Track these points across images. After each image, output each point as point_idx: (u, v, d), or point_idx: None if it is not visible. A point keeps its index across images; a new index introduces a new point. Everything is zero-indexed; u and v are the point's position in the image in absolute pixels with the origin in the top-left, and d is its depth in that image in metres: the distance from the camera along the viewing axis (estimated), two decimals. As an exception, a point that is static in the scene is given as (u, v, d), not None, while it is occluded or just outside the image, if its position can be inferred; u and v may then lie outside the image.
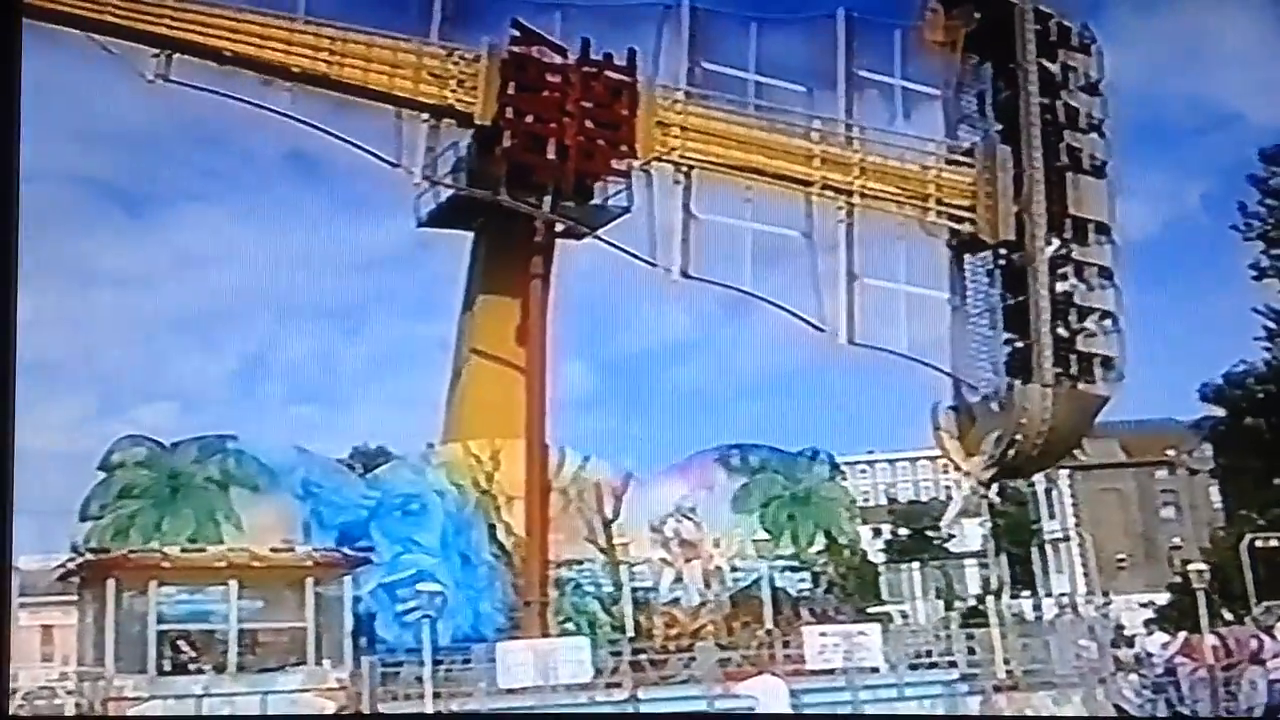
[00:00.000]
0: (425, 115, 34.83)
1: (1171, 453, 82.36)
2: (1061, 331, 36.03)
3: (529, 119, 35.06)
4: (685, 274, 34.84)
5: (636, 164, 35.91)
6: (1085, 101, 37.34)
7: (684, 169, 35.62)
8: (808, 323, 35.23)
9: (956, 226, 36.92)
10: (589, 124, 35.39)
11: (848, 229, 36.15)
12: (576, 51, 35.68)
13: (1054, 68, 37.14)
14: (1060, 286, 36.13)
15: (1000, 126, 37.43)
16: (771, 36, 37.15)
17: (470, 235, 39.19)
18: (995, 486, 39.28)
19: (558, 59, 35.45)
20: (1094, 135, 37.39)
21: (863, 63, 37.26)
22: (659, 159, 35.50)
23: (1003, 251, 37.29)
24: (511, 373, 36.82)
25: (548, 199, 35.11)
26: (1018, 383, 36.15)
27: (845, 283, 35.63)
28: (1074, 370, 35.80)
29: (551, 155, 34.85)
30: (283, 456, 35.63)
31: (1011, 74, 37.44)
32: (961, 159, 37.40)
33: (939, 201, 36.71)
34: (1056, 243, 36.25)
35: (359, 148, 33.91)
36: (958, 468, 37.56)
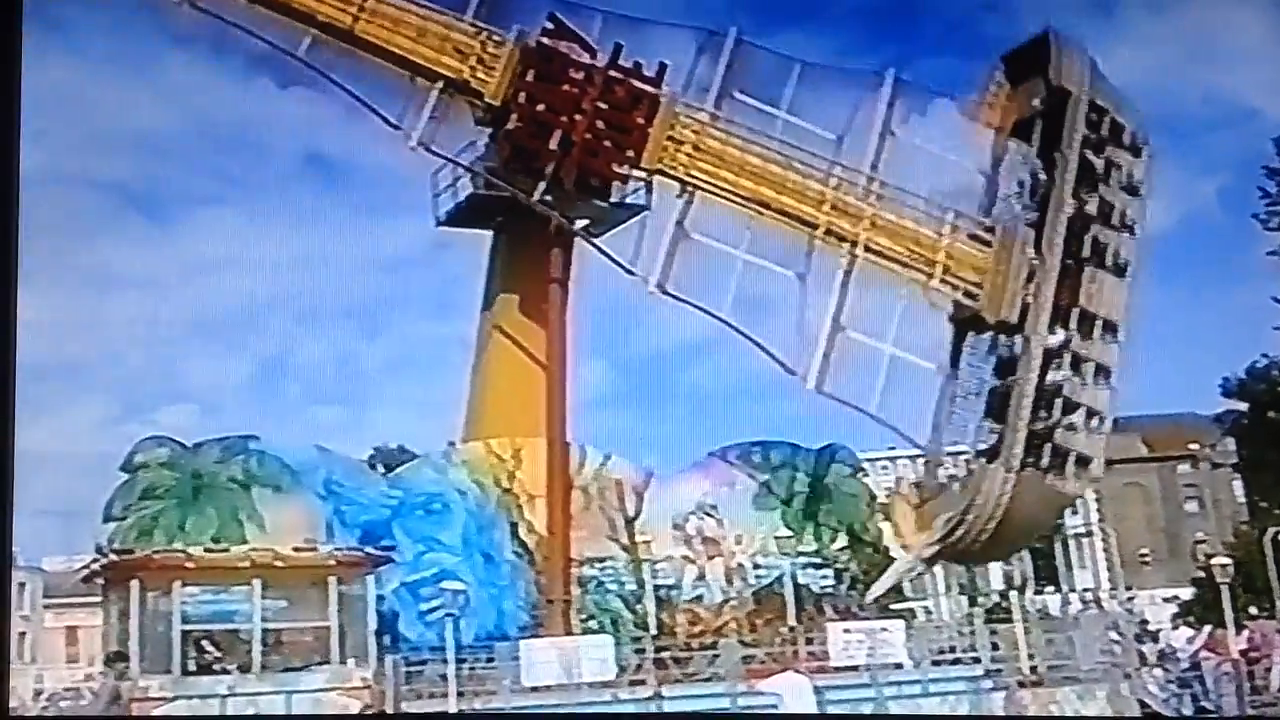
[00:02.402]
0: (439, 85, 34.58)
1: (1194, 447, 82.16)
2: (1041, 422, 34.37)
3: (540, 107, 34.93)
4: (662, 288, 34.39)
5: (639, 171, 35.69)
6: (1123, 200, 35.90)
7: (689, 188, 35.28)
8: (778, 361, 34.65)
9: (961, 300, 36.22)
10: (600, 124, 35.27)
11: (845, 278, 35.27)
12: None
13: (1098, 161, 35.86)
14: (1052, 376, 34.61)
15: (1034, 212, 36.52)
16: (812, 80, 36.46)
17: (489, 234, 39.27)
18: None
19: (585, 58, 35.34)
20: (1124, 234, 35.97)
21: (902, 123, 36.57)
22: (662, 172, 35.27)
23: (1003, 335, 36.53)
24: (532, 371, 36.86)
25: (542, 184, 34.95)
26: (982, 461, 34.82)
27: (829, 330, 34.80)
28: (1044, 462, 33.92)
29: (554, 146, 34.72)
30: (305, 456, 35.72)
31: (1054, 161, 36.03)
32: (982, 234, 36.11)
33: (946, 270, 35.35)
34: (1062, 334, 35.37)
35: (361, 102, 33.80)
36: (902, 541, 36.65)
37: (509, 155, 35.13)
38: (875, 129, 35.99)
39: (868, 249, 35.04)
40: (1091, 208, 35.63)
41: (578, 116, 34.92)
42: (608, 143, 35.15)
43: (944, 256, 35.21)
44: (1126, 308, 35.65)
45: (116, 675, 27.66)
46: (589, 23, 35.62)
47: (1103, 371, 35.06)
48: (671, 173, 35.05)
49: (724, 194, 35.07)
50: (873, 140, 36.00)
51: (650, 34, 36.43)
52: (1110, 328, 35.35)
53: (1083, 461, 34.09)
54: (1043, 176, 36.18)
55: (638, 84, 35.42)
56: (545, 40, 35.14)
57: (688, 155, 35.20)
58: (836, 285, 34.95)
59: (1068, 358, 34.45)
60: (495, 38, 34.79)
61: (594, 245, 36.19)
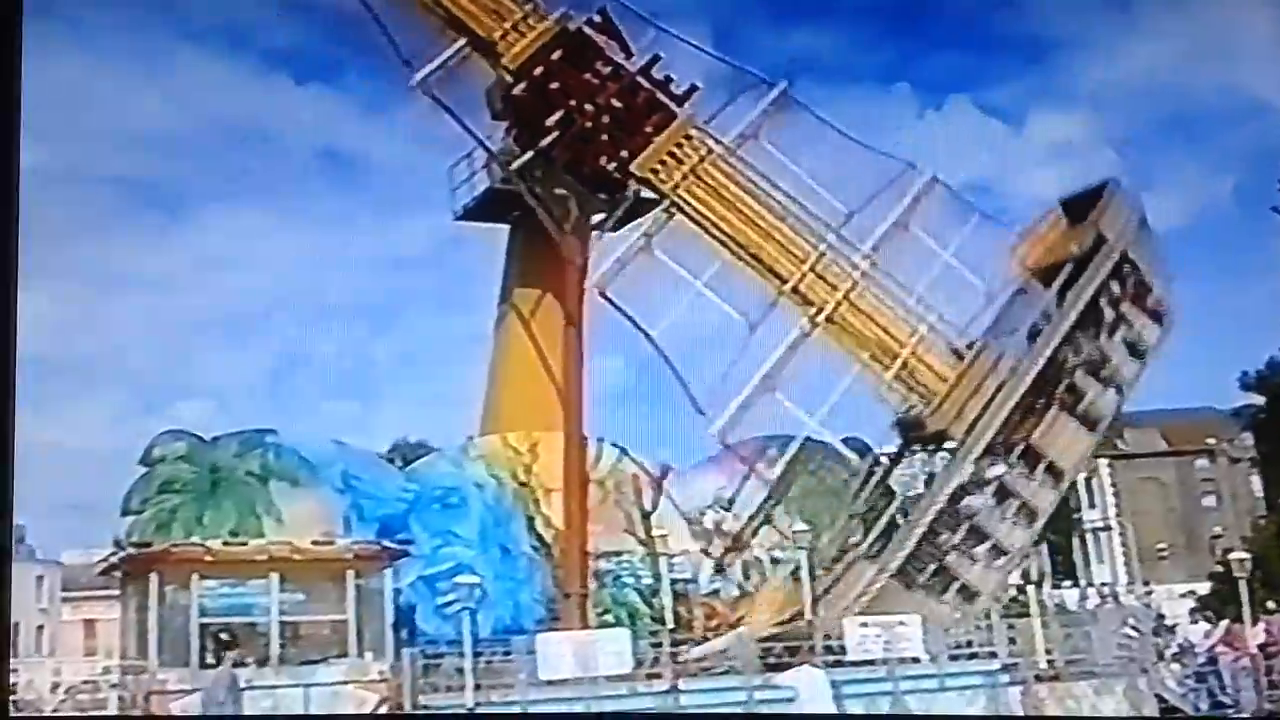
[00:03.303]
0: (465, 40, 34.64)
1: (1212, 441, 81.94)
2: (939, 540, 33.92)
3: (553, 85, 34.94)
4: (601, 291, 34.23)
5: (627, 174, 35.56)
6: (1121, 357, 35.60)
7: (672, 206, 35.14)
8: (690, 397, 34.48)
9: (909, 401, 35.49)
10: (606, 119, 35.30)
11: (797, 341, 34.93)
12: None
13: (1109, 312, 35.54)
14: (972, 500, 34.05)
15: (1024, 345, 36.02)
16: (847, 155, 36.26)
17: (506, 228, 39.32)
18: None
19: (619, 56, 35.38)
20: (1109, 391, 35.68)
21: (919, 221, 36.31)
22: (649, 183, 35.18)
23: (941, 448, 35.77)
24: (548, 365, 36.90)
25: (529, 155, 35.10)
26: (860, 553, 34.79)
27: (757, 385, 34.60)
28: (923, 579, 33.71)
29: (551, 122, 34.70)
30: (322, 450, 35.80)
31: (1064, 299, 35.45)
32: (961, 347, 35.67)
33: (906, 367, 34.96)
34: (1001, 467, 34.50)
35: (382, 29, 33.90)
36: (751, 618, 36.26)
37: (508, 119, 35.16)
38: (890, 218, 35.78)
39: (831, 320, 34.83)
40: (1084, 353, 35.17)
41: (588, 106, 34.95)
42: (605, 137, 35.09)
43: (910, 354, 34.84)
44: (1084, 461, 35.16)
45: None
46: (641, 34, 35.66)
47: (1028, 512, 34.62)
48: (659, 186, 34.94)
49: (705, 224, 34.87)
50: (884, 225, 35.76)
51: (703, 62, 36.44)
52: (1056, 473, 34.85)
53: (968, 593, 33.86)
54: (1052, 317, 35.56)
55: (660, 95, 35.42)
56: (586, 29, 35.22)
57: (682, 175, 35.01)
58: (784, 345, 34.71)
59: (994, 488, 34.14)
60: (540, 12, 34.91)
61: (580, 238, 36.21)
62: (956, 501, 33.84)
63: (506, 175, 36.30)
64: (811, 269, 34.98)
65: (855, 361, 34.86)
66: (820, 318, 34.70)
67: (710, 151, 35.34)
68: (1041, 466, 34.49)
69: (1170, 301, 36.17)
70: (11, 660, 41.01)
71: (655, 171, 34.96)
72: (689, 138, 35.47)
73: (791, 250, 35.17)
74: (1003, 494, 34.12)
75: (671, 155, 35.20)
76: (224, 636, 29.45)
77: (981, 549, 33.85)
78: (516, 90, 34.68)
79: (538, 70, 34.72)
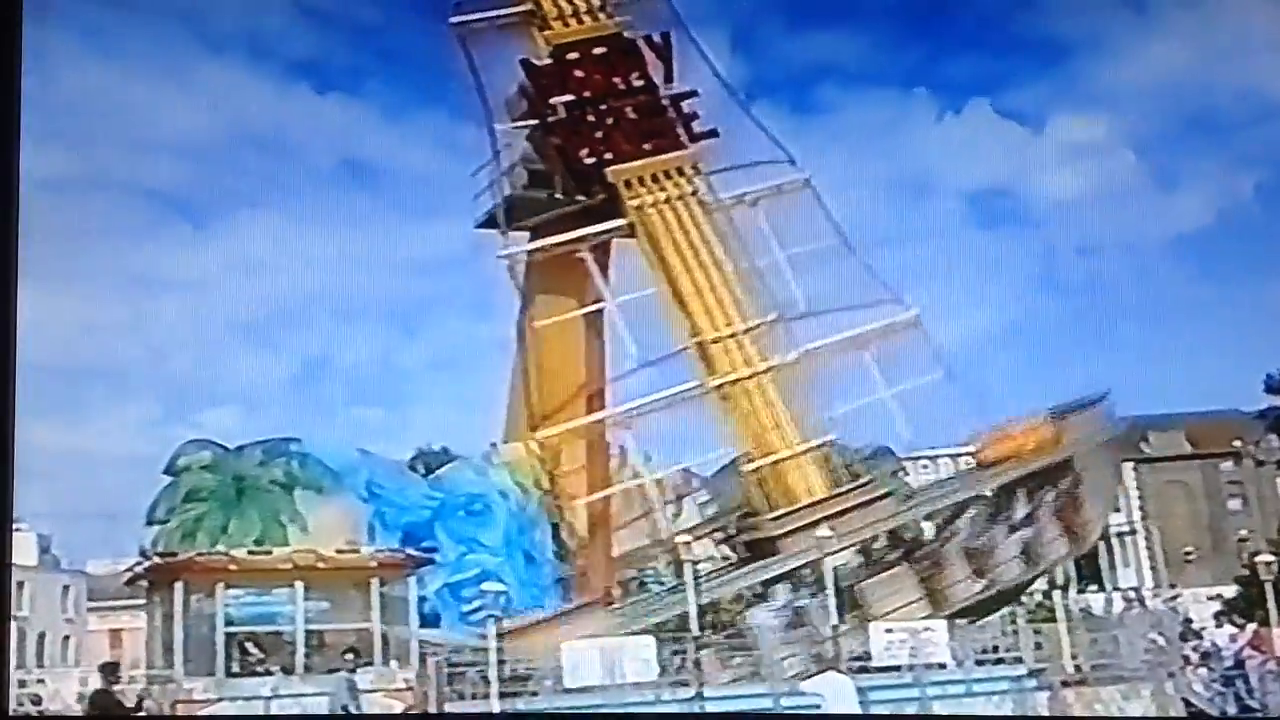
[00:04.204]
0: (525, 7, 35.81)
1: (1237, 444, 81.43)
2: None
3: (577, 72, 35.27)
4: (510, 266, 35.38)
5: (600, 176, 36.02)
6: (1008, 556, 36.30)
7: (630, 225, 35.39)
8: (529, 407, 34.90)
9: (750, 495, 36.14)
10: (610, 120, 35.59)
11: (684, 394, 35.61)
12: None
13: (1020, 510, 36.34)
14: (758, 614, 34.29)
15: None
16: (842, 262, 36.46)
17: (527, 235, 39.32)
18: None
19: (657, 77, 35.74)
20: (977, 583, 36.08)
21: (877, 349, 36.74)
22: (617, 193, 35.41)
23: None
24: (572, 371, 36.87)
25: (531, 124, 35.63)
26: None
27: (618, 420, 35.00)
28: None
29: (557, 101, 34.93)
30: (346, 458, 35.78)
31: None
32: (844, 477, 36.34)
33: (771, 471, 35.71)
34: (787, 597, 34.84)
35: None
36: None
37: (521, 87, 35.83)
38: (847, 333, 35.97)
39: (723, 395, 34.85)
40: (969, 534, 35.81)
41: (601, 105, 35.21)
42: (599, 134, 35.34)
43: (785, 457, 35.35)
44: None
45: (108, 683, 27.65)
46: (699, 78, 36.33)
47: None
48: (625, 198, 35.12)
49: (651, 253, 35.11)
50: (836, 337, 36.35)
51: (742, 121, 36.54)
52: (865, 618, 34.47)
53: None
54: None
55: (678, 125, 35.66)
56: (641, 42, 35.61)
57: (654, 201, 35.30)
58: (668, 393, 35.14)
59: (789, 612, 34.18)
60: (609, 11, 35.32)
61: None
62: (745, 606, 34.55)
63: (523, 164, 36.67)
64: (732, 337, 35.21)
65: (727, 438, 35.76)
66: (711, 381, 35.31)
67: (694, 193, 35.74)
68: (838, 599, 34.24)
69: (1095, 533, 36.57)
70: (38, 669, 41.29)
71: (629, 184, 35.24)
72: (681, 171, 35.73)
73: (723, 311, 35.78)
74: (796, 621, 34.08)
75: (654, 178, 35.42)
76: (249, 645, 29.49)
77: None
78: (540, 63, 35.12)
79: (572, 55, 35.11)
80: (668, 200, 35.83)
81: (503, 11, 35.60)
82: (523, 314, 39.20)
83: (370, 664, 29.13)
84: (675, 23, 36.59)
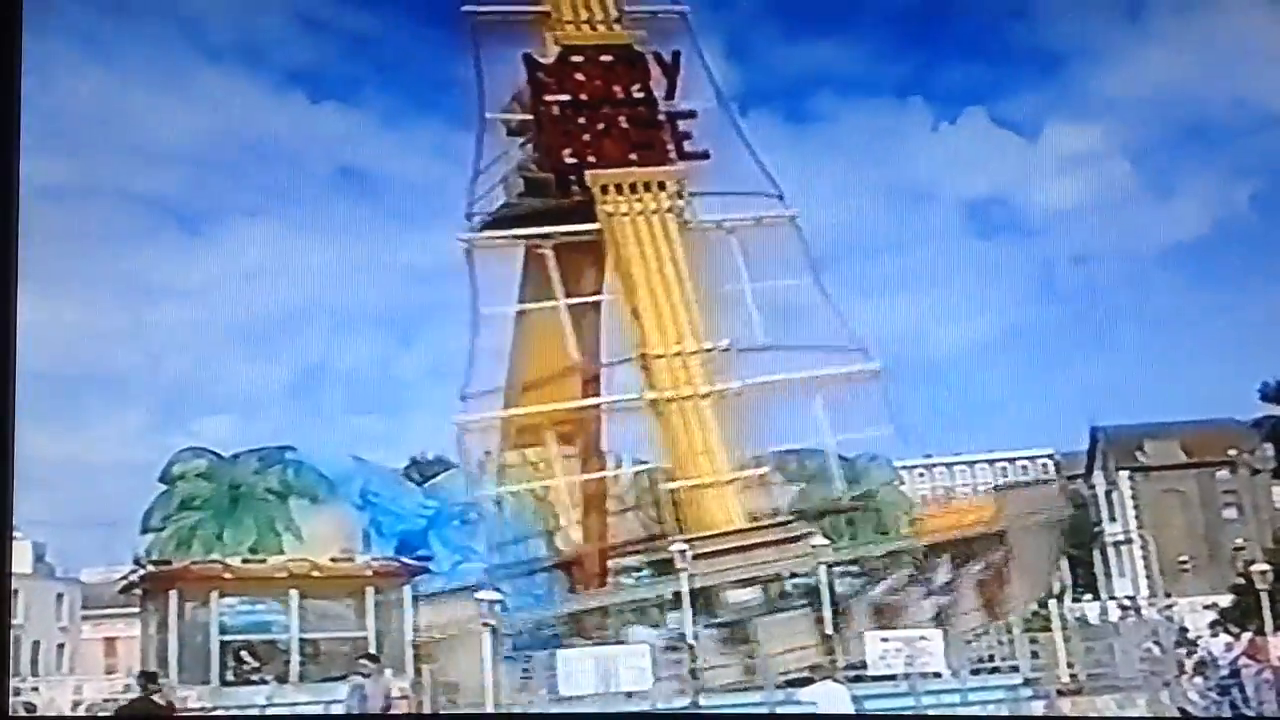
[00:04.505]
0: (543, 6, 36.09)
1: (1233, 453, 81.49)
2: None
3: (579, 75, 35.49)
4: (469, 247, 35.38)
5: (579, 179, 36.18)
6: (916, 619, 35.72)
7: (601, 231, 35.60)
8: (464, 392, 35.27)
9: (646, 509, 36.46)
10: (601, 125, 35.79)
11: (617, 406, 35.93)
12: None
13: (940, 577, 36.38)
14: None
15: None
16: (815, 306, 36.80)
17: (521, 244, 39.30)
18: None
19: (658, 91, 35.97)
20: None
21: (831, 397, 36.77)
22: (593, 198, 35.56)
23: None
24: (566, 380, 36.84)
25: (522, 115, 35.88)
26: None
27: (524, 411, 35.45)
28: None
29: (552, 99, 35.12)
30: (342, 467, 35.78)
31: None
32: (775, 524, 36.45)
33: (670, 500, 35.77)
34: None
35: None
36: None
37: (515, 92, 36.20)
38: (800, 374, 36.08)
39: (659, 411, 35.20)
40: (878, 591, 36.03)
41: (596, 110, 35.43)
42: (587, 136, 35.50)
43: (708, 483, 35.49)
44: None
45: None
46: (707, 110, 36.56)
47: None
48: (600, 203, 35.30)
49: (617, 259, 35.25)
50: (790, 376, 36.22)
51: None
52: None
53: None
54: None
55: (669, 141, 35.82)
56: (650, 56, 35.80)
57: (627, 209, 35.46)
58: (609, 399, 35.86)
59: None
60: (626, 23, 35.55)
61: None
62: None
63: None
64: (676, 355, 35.39)
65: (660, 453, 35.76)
66: (646, 395, 35.43)
67: (671, 209, 35.71)
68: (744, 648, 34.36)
69: (1018, 610, 36.70)
70: (32, 678, 41.18)
71: (605, 190, 35.31)
72: (662, 186, 35.80)
73: (674, 327, 35.92)
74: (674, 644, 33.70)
75: (633, 188, 35.53)
76: (244, 654, 29.45)
77: None
78: (545, 60, 35.34)
79: (576, 57, 35.30)
80: (642, 212, 35.97)
81: (519, 8, 35.95)
82: (517, 322, 39.25)
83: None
84: (691, 46, 36.81)
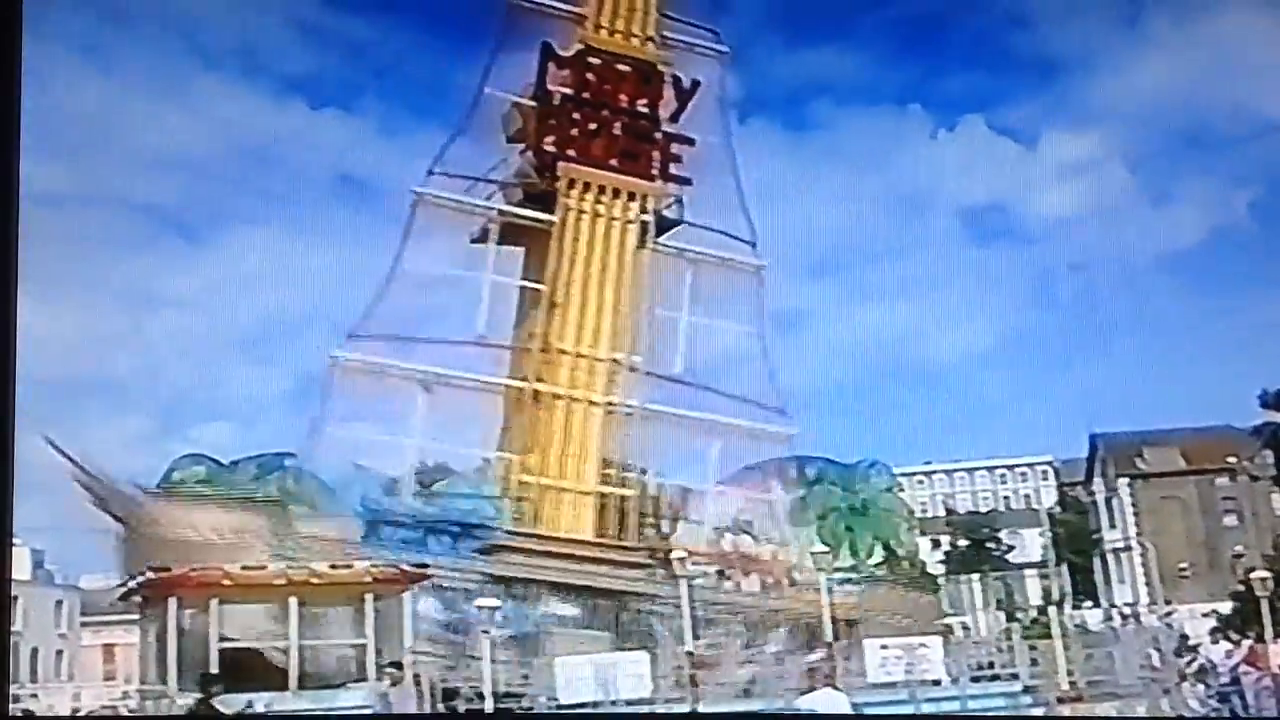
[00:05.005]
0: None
1: (1232, 460, 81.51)
2: None
3: (589, 75, 35.81)
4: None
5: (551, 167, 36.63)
6: None
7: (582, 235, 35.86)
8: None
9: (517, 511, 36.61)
10: (592, 125, 36.06)
11: (489, 385, 36.57)
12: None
13: None
14: None
15: None
16: (758, 357, 37.32)
17: (521, 250, 39.38)
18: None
19: (661, 107, 36.23)
20: None
21: (736, 445, 37.34)
22: (556, 191, 35.77)
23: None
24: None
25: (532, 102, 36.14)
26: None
27: (418, 373, 35.90)
28: None
29: (556, 89, 35.91)
30: (341, 473, 35.73)
31: None
32: (619, 546, 36.73)
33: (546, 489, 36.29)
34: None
35: None
36: None
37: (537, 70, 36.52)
38: (711, 415, 36.63)
39: (539, 403, 35.97)
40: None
41: (595, 110, 35.65)
42: (575, 131, 35.81)
43: (566, 487, 36.04)
44: None
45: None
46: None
47: None
48: (562, 195, 35.59)
49: (559, 250, 35.84)
50: (699, 414, 36.96)
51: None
52: None
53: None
54: None
55: (657, 159, 36.09)
56: (667, 74, 36.11)
57: (588, 209, 35.88)
58: (478, 378, 36.57)
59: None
60: (657, 41, 35.83)
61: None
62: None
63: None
64: (579, 355, 36.28)
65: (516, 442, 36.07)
66: (530, 386, 36.11)
67: (631, 223, 35.97)
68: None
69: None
70: (31, 685, 41.18)
71: (572, 183, 35.59)
72: (632, 198, 35.97)
73: (588, 331, 36.60)
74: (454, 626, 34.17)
75: (601, 190, 35.75)
76: (243, 661, 29.39)
77: None
78: (565, 53, 35.64)
79: (594, 59, 35.61)
80: (603, 216, 36.33)
81: (559, 4, 36.32)
82: (517, 329, 39.36)
83: (364, 680, 29.11)
84: (718, 84, 37.14)
